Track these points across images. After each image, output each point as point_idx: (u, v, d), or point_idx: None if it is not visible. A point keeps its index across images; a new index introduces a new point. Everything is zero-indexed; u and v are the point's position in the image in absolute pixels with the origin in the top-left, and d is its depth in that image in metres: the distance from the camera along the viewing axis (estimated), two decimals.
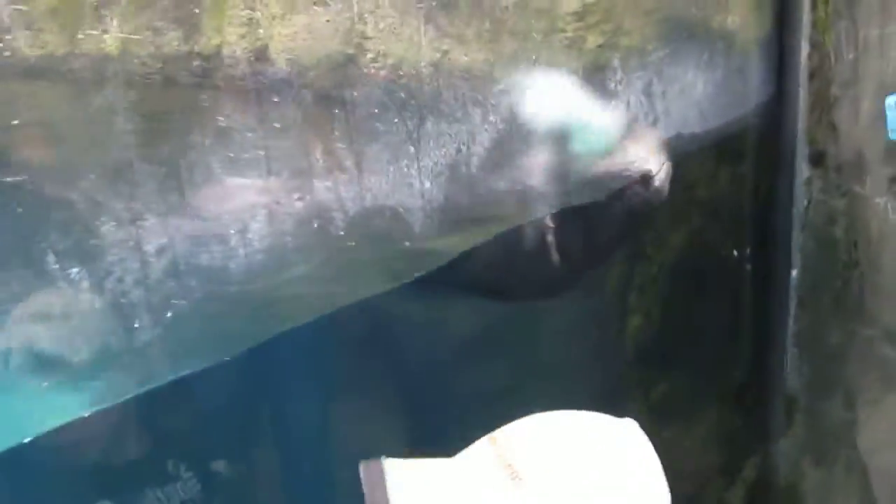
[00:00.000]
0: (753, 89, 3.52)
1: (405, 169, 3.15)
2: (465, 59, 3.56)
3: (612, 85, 3.22)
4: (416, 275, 3.06)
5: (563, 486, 1.20)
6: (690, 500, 3.75)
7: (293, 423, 3.44)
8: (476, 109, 3.24)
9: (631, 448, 1.30)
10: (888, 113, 2.01)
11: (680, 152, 3.15)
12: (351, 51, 3.52)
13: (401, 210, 3.10)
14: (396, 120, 3.07)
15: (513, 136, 3.24)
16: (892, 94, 2.06)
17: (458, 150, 3.15)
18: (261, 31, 3.53)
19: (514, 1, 3.52)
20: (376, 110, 3.05)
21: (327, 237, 2.97)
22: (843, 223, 3.51)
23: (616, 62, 3.29)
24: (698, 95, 3.24)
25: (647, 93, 3.23)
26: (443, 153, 3.14)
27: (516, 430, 1.31)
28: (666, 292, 3.55)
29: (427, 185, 3.23)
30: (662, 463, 1.32)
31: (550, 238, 3.33)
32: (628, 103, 3.19)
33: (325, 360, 3.32)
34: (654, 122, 3.20)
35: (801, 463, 3.92)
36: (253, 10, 3.49)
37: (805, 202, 3.67)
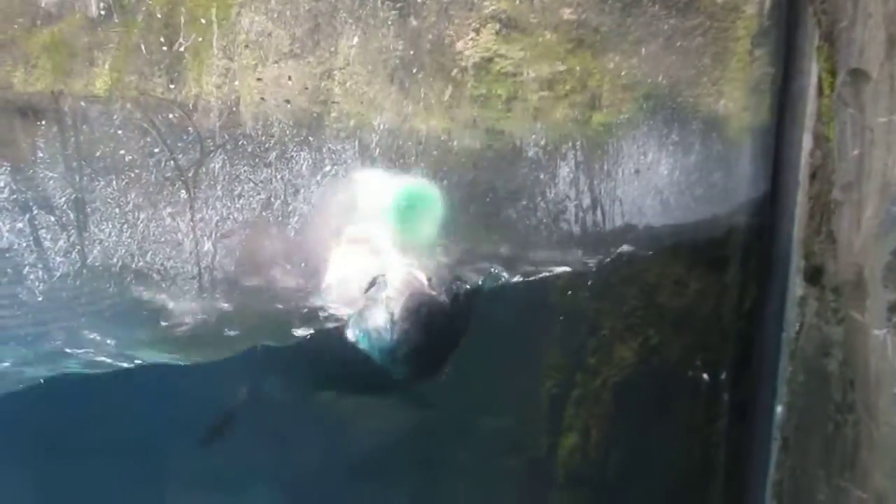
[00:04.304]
0: (742, 185, 2.99)
1: None
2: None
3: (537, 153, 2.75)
4: None
5: None
6: None
7: None
8: None
9: None
10: None
11: (631, 247, 2.64)
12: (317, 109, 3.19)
13: None
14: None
15: None
16: None
17: None
18: (236, 83, 3.23)
19: (474, 62, 3.13)
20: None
21: None
22: (838, 355, 2.92)
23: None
24: (660, 182, 2.73)
25: (587, 170, 2.73)
26: None
27: None
28: (611, 412, 2.98)
29: None
30: None
31: None
32: (555, 180, 2.71)
33: None
34: (592, 208, 2.68)
35: None
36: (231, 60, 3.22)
37: (797, 326, 3.08)
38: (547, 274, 2.79)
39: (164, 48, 2.90)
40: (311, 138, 2.74)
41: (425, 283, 2.63)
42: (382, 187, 2.73)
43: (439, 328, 2.61)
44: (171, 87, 3.05)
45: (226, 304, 2.51)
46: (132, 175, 2.52)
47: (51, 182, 2.47)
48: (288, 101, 2.89)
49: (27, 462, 2.89)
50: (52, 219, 2.43)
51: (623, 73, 3.01)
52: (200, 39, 2.75)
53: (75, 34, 2.99)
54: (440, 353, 2.77)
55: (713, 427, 3.27)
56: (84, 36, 2.98)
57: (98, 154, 2.55)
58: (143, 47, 2.76)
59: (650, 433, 3.14)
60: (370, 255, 2.71)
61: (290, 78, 2.90)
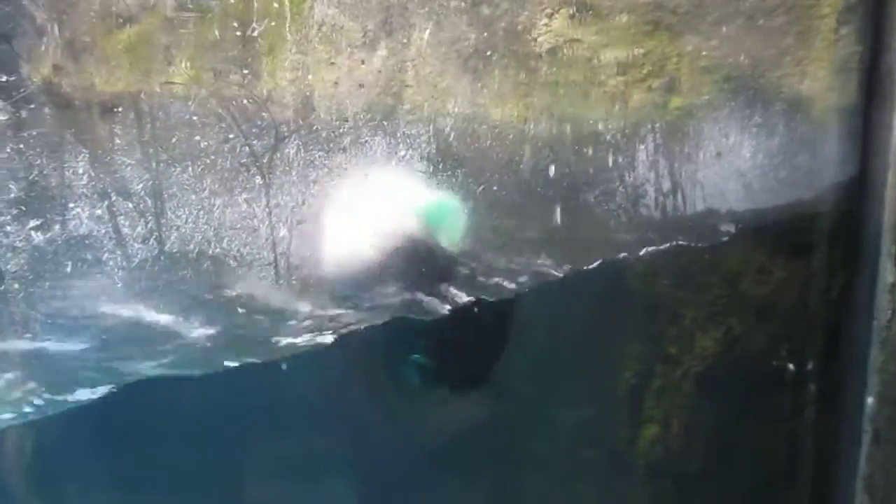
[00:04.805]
0: (828, 168, 2.89)
1: None
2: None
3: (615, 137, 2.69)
4: None
5: None
6: None
7: None
8: None
9: None
10: None
11: (712, 233, 2.57)
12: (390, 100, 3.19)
13: None
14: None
15: None
16: None
17: None
18: (310, 76, 3.26)
19: (548, 48, 3.09)
20: None
21: None
22: None
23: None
24: (743, 165, 2.64)
25: (666, 154, 2.66)
26: None
27: None
28: (693, 404, 2.91)
29: None
30: None
31: None
32: (633, 163, 2.64)
33: None
34: (673, 192, 2.62)
35: None
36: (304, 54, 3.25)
37: (888, 314, 2.98)
38: (626, 260, 2.74)
39: (238, 33, 2.92)
40: (385, 123, 2.74)
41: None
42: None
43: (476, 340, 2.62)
44: (247, 77, 3.08)
45: (301, 291, 2.53)
46: (208, 161, 2.55)
47: (128, 169, 2.51)
48: (362, 86, 2.89)
49: (109, 453, 2.95)
50: (130, 205, 2.47)
51: (702, 55, 2.94)
52: (273, 24, 2.77)
53: (153, 34, 3.04)
54: (477, 366, 2.78)
55: (800, 419, 3.17)
56: (162, 35, 3.02)
57: (174, 140, 2.58)
58: (217, 34, 2.79)
59: (734, 425, 3.06)
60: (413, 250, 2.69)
61: (363, 62, 2.90)
